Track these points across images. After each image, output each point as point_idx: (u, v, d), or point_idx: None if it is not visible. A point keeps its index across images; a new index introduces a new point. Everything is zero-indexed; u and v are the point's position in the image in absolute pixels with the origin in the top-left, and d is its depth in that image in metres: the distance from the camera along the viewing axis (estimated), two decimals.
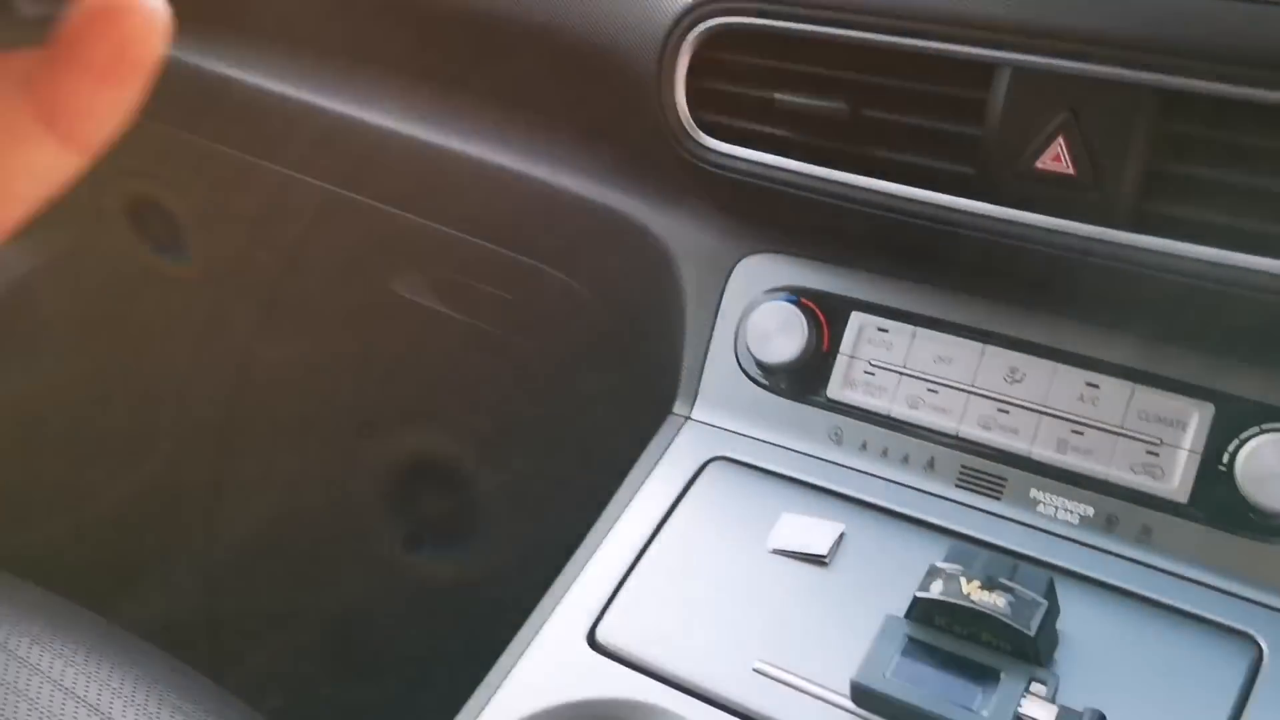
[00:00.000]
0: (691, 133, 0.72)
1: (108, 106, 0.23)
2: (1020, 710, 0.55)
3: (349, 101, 0.92)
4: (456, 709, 0.61)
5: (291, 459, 1.25)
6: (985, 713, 0.55)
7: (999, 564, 0.59)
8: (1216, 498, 0.61)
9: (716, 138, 0.71)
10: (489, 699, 0.61)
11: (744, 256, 0.75)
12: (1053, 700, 0.55)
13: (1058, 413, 0.65)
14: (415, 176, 0.93)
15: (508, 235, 0.91)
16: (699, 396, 0.75)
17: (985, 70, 0.63)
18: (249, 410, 1.27)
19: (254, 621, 1.25)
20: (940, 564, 0.60)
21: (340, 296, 1.13)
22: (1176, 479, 0.62)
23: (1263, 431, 0.60)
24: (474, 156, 0.86)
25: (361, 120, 0.91)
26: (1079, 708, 0.54)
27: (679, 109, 0.72)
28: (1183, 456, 0.62)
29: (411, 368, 1.14)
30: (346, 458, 1.22)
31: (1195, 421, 0.62)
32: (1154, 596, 0.61)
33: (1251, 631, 0.58)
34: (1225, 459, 0.61)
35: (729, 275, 0.75)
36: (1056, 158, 0.62)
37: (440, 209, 0.94)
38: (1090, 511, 0.64)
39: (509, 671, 0.62)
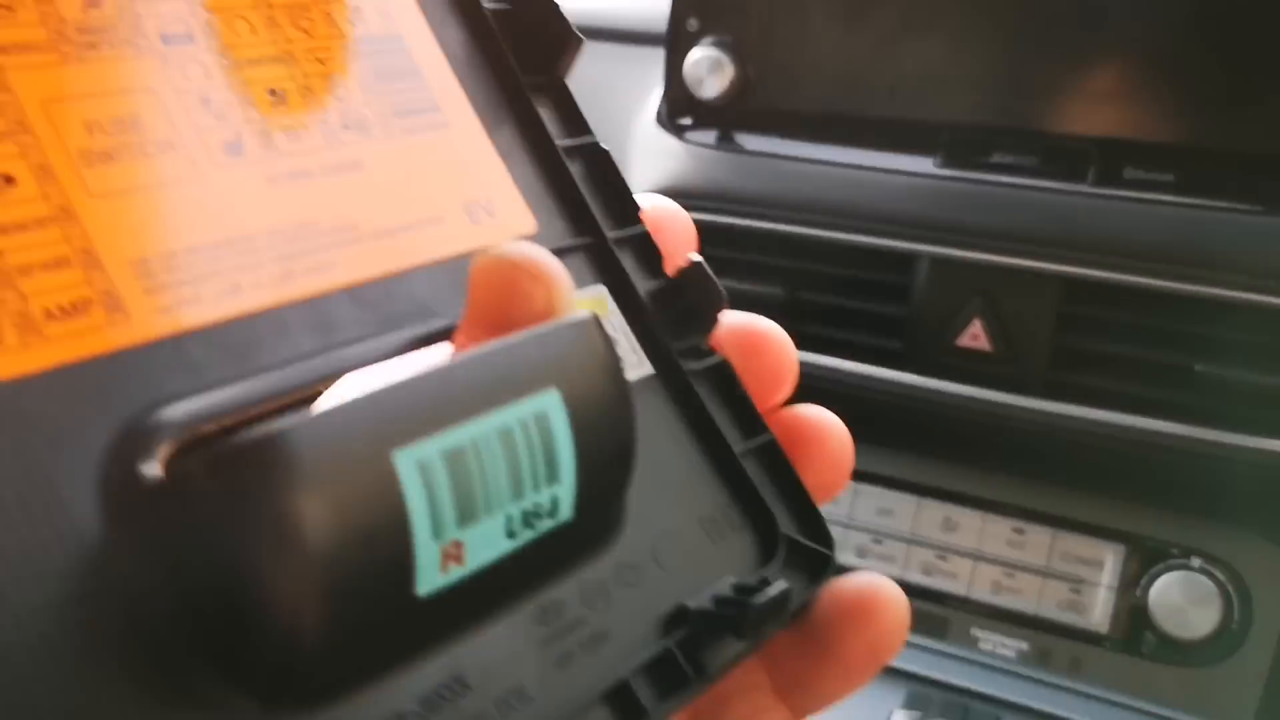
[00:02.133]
0: None
1: (841, 693, 0.24)
2: None
3: None
4: None
5: None
6: None
7: (952, 708, 0.67)
8: (1134, 630, 0.69)
9: None
10: None
11: None
12: None
13: (990, 557, 0.73)
14: None
15: None
16: None
17: (906, 258, 0.71)
18: None
19: None
20: (899, 712, 0.67)
21: None
22: (1097, 613, 0.70)
23: (1169, 569, 0.69)
24: None
25: None
26: None
27: None
28: (1101, 593, 0.70)
29: None
30: None
31: (1110, 561, 0.70)
32: None
33: None
34: (1139, 593, 0.69)
35: None
36: (975, 336, 0.70)
37: None
38: (1025, 646, 0.72)
39: None
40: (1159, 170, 0.68)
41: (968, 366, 0.70)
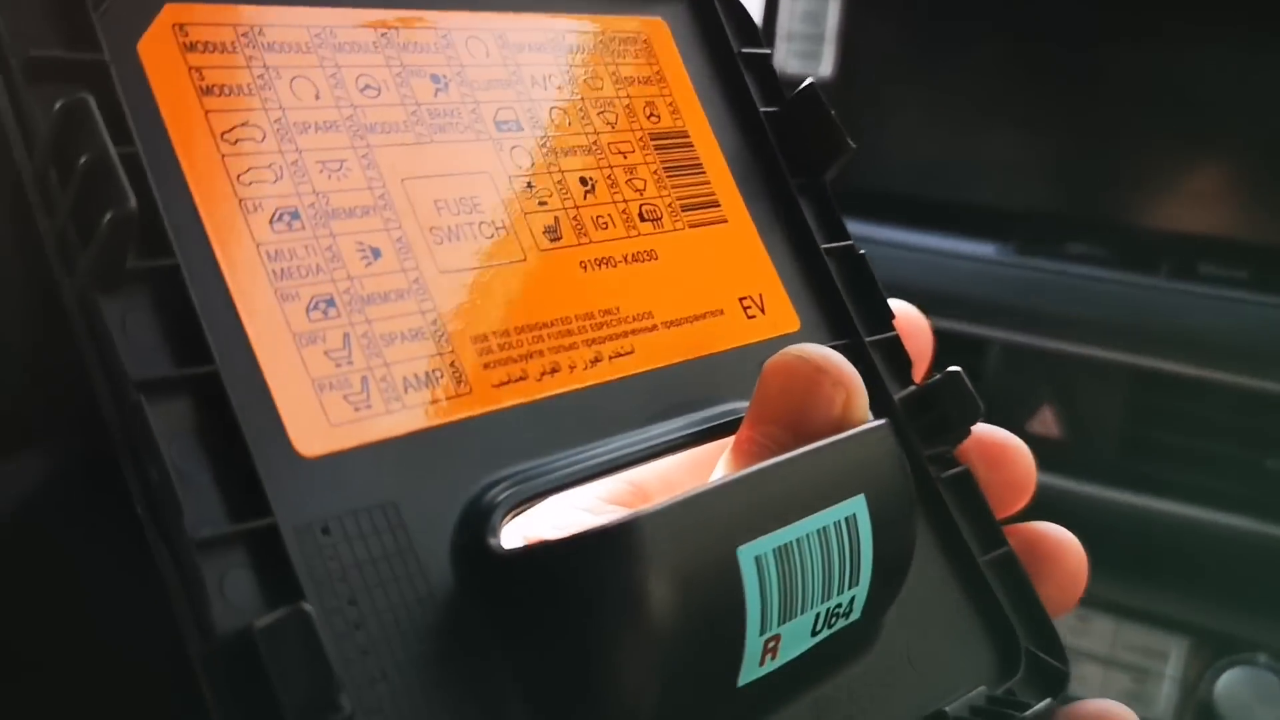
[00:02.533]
0: None
1: None
2: None
3: None
4: None
5: None
6: None
7: None
8: None
9: None
10: None
11: None
12: None
13: None
14: None
15: None
16: None
17: (978, 343, 0.72)
18: None
19: None
20: None
21: None
22: (1160, 705, 0.70)
23: (1233, 663, 0.69)
24: None
25: None
26: None
27: None
28: (1165, 684, 0.70)
29: None
30: None
31: (1174, 653, 0.70)
32: None
33: None
34: (1203, 686, 0.69)
35: None
36: (1044, 422, 0.71)
37: None
38: None
39: None
40: (1233, 267, 0.69)
41: (1037, 452, 0.70)
